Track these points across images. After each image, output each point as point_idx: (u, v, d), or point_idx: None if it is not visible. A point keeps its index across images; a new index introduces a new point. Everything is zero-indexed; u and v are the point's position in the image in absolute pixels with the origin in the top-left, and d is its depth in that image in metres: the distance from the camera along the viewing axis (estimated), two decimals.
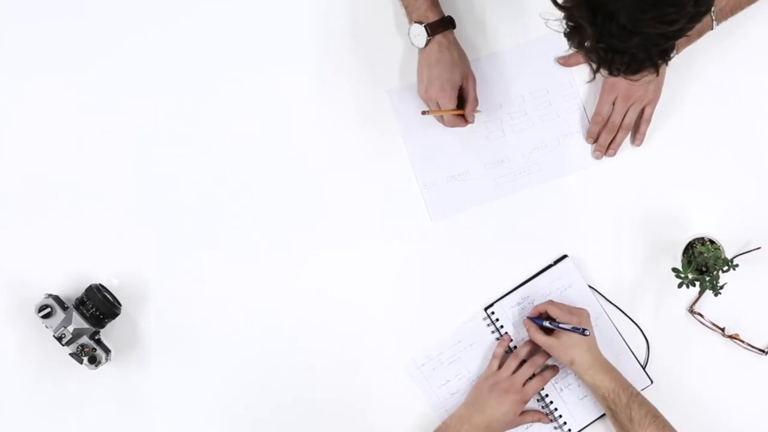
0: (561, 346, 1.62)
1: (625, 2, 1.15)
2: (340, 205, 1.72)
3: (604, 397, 1.61)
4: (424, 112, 1.65)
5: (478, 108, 1.68)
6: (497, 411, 1.64)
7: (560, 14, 1.23)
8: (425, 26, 1.61)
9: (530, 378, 1.67)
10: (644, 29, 1.16)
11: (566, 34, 1.23)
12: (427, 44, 1.62)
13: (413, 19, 1.62)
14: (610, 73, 1.23)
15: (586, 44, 1.21)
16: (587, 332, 1.60)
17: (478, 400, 1.66)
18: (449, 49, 1.62)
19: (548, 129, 1.73)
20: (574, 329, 1.59)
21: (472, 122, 1.66)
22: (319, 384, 1.71)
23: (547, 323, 1.63)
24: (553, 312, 1.63)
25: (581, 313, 1.64)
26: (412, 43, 1.63)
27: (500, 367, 1.68)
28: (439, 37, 1.61)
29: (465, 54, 1.65)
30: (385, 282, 1.72)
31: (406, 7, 1.64)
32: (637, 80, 1.26)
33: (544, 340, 1.64)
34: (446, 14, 1.63)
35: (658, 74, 1.23)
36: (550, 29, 1.69)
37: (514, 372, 1.67)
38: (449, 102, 1.63)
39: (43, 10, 1.72)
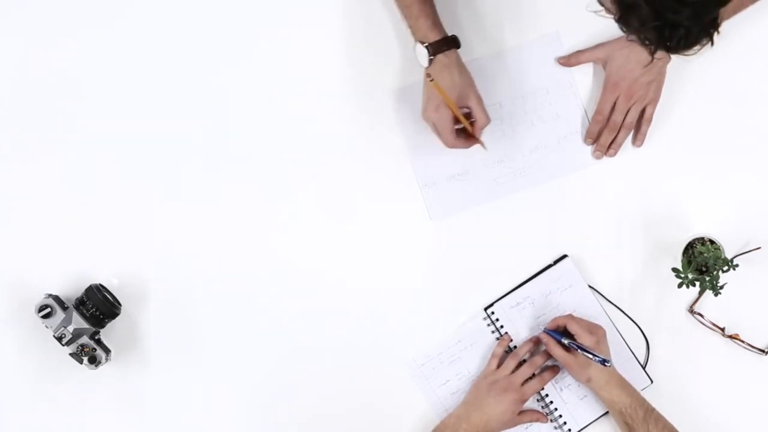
0: (578, 364, 1.63)
1: None
2: (340, 204, 1.72)
3: (621, 412, 1.61)
4: (428, 75, 1.60)
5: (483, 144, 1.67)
6: (495, 410, 1.64)
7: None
8: (426, 46, 1.61)
9: (529, 378, 1.67)
10: None
11: (620, 18, 1.23)
12: (429, 64, 1.61)
13: (416, 39, 1.62)
14: (668, 51, 1.23)
15: (641, 25, 1.21)
16: (609, 363, 1.60)
17: (476, 399, 1.66)
18: (449, 68, 1.61)
19: (548, 129, 1.73)
20: (599, 359, 1.59)
21: (481, 142, 1.64)
22: (319, 383, 1.71)
23: (566, 341, 1.63)
24: (573, 328, 1.63)
25: (599, 331, 1.64)
26: (418, 62, 1.63)
27: (499, 366, 1.69)
28: (440, 57, 1.60)
29: (468, 74, 1.63)
30: (385, 282, 1.72)
31: (410, 27, 1.63)
32: (691, 55, 1.25)
33: (562, 356, 1.64)
34: (449, 34, 1.62)
35: (713, 44, 1.24)
36: (546, 32, 1.71)
37: (513, 371, 1.67)
38: (446, 123, 1.61)
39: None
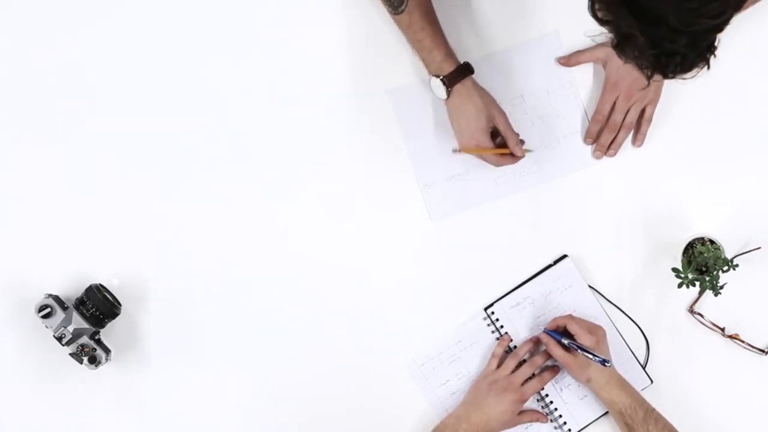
0: (578, 364, 1.63)
1: (671, 4, 1.14)
2: (340, 204, 1.72)
3: (621, 412, 1.62)
4: (455, 151, 1.66)
5: (523, 140, 1.68)
6: (495, 410, 1.64)
7: (603, 29, 1.23)
8: (442, 79, 1.62)
9: (530, 378, 1.67)
10: (692, 27, 1.16)
11: (617, 47, 1.23)
12: (448, 96, 1.63)
13: (431, 72, 1.64)
14: (665, 77, 1.23)
15: (639, 53, 1.21)
16: (609, 364, 1.60)
17: (476, 399, 1.66)
18: (470, 96, 1.62)
19: (548, 129, 1.73)
20: (599, 360, 1.59)
21: (523, 155, 1.66)
22: (319, 383, 1.71)
23: (566, 341, 1.64)
24: (573, 328, 1.63)
25: (599, 331, 1.64)
26: (436, 95, 1.65)
27: (499, 366, 1.69)
28: (458, 87, 1.62)
29: (488, 95, 1.64)
30: (385, 282, 1.72)
31: (423, 60, 1.65)
32: (690, 78, 1.25)
33: (562, 356, 1.64)
34: (462, 61, 1.63)
35: (709, 68, 1.24)
36: (546, 32, 1.71)
37: (513, 371, 1.67)
38: (486, 146, 1.64)
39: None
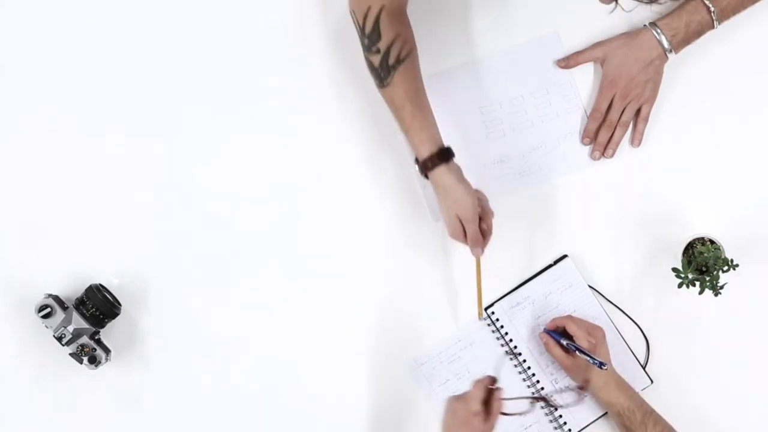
0: (576, 366, 1.63)
1: None
2: (341, 205, 1.72)
3: (619, 414, 1.62)
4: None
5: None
6: None
7: None
8: (418, 167, 1.56)
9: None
10: None
11: None
12: (429, 179, 1.57)
13: (411, 148, 1.58)
14: None
15: None
16: (605, 367, 1.60)
17: None
18: (444, 189, 1.55)
19: (548, 129, 1.73)
20: (596, 362, 1.59)
21: (478, 256, 1.61)
22: (319, 383, 1.71)
23: (564, 342, 1.64)
24: (571, 329, 1.63)
25: (598, 333, 1.64)
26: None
27: None
28: (433, 178, 1.55)
29: (460, 190, 1.54)
30: (385, 282, 1.72)
31: (403, 132, 1.58)
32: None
33: (561, 357, 1.64)
34: (444, 145, 1.56)
35: None
36: (546, 32, 1.71)
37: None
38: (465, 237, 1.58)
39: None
